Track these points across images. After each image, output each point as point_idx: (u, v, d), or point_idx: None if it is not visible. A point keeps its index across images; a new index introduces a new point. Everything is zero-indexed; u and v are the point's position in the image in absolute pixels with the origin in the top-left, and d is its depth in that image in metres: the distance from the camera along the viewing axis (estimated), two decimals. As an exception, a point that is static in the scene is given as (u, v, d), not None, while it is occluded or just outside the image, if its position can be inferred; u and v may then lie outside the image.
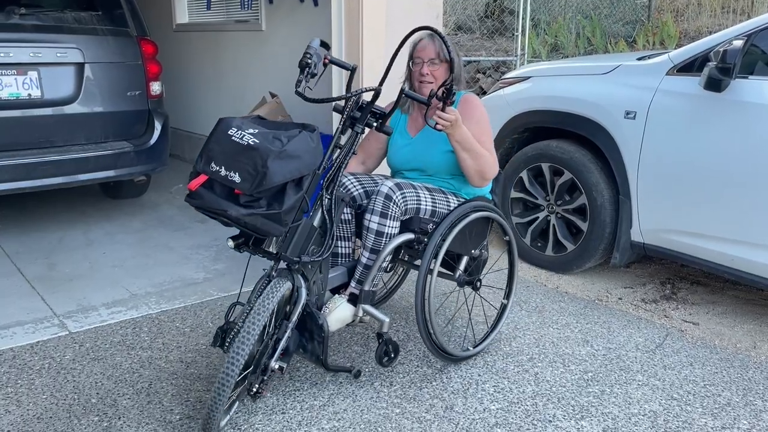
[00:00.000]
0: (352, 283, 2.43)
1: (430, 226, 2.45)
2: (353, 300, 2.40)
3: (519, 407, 2.30)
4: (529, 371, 2.55)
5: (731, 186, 2.85)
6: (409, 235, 2.42)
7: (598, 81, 3.33)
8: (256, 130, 1.94)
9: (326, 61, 2.17)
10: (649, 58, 3.33)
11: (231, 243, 2.11)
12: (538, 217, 3.66)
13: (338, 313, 2.35)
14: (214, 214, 1.93)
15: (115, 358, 2.56)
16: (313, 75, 2.10)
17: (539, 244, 3.69)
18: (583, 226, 3.43)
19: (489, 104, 3.92)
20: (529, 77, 3.72)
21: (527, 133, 3.77)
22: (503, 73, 7.14)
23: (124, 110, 4.01)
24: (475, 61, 7.21)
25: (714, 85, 2.85)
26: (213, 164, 1.92)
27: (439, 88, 2.25)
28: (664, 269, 3.72)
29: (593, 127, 3.30)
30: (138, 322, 2.87)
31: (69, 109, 3.79)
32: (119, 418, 2.17)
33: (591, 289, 3.41)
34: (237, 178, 1.87)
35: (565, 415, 2.26)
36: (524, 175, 3.66)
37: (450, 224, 2.40)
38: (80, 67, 3.81)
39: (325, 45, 2.17)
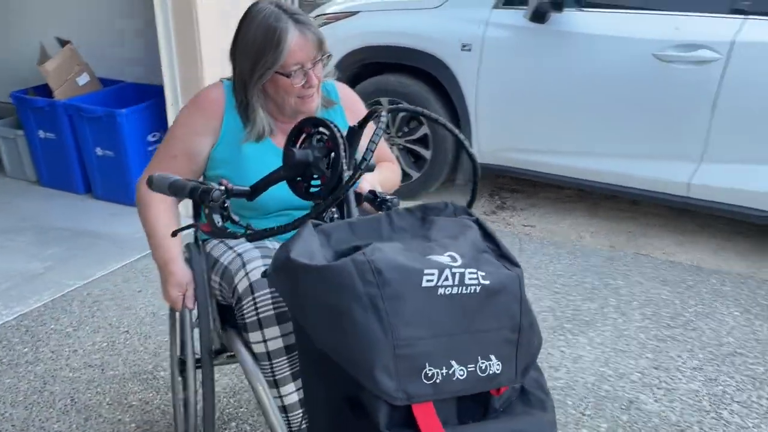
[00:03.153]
0: None
1: None
2: None
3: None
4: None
5: (551, 106, 3.32)
6: None
7: (431, 15, 3.52)
8: (462, 252, 1.01)
9: None
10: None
11: None
12: (379, 150, 3.82)
13: None
14: None
15: (4, 380, 2.14)
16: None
17: (382, 176, 3.86)
18: (427, 154, 3.69)
19: (316, 42, 3.87)
20: (358, 12, 3.75)
21: (359, 69, 3.84)
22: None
23: None
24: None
25: (539, 17, 3.23)
26: (429, 368, 0.94)
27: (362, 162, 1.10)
28: (483, 183, 4.20)
29: (432, 61, 3.50)
30: None
31: None
32: (64, 445, 1.87)
33: (438, 210, 3.73)
34: (497, 366, 0.99)
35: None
36: (362, 110, 3.76)
37: None
38: None
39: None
